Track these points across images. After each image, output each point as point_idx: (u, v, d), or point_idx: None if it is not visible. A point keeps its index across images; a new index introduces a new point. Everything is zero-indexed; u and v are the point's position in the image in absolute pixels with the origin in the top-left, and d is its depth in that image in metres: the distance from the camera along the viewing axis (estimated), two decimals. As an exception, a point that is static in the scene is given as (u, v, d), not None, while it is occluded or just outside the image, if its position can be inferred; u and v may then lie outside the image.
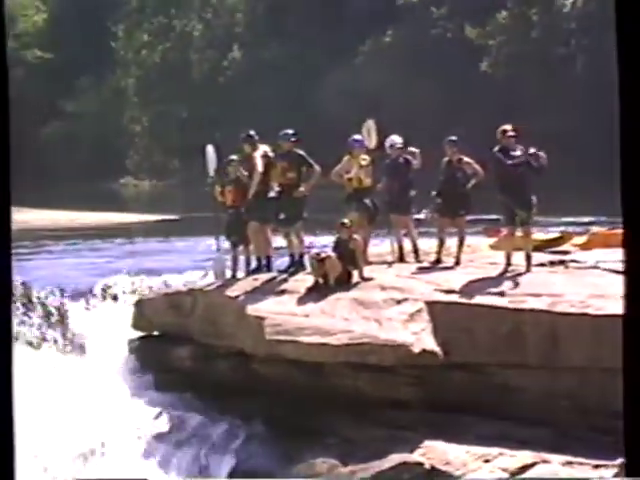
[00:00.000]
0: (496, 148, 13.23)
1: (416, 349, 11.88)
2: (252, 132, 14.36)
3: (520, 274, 12.87)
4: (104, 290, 16.22)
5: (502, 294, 12.43)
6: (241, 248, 14.38)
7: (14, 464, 4.06)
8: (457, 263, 13.84)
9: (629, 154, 3.89)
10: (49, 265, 19.99)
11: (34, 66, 65.35)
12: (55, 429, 12.72)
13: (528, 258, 13.13)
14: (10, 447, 4.09)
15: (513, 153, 13.14)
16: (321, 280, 13.22)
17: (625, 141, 3.90)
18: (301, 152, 14.04)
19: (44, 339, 15.22)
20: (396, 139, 14.72)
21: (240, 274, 14.32)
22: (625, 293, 3.97)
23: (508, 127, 13.35)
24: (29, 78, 64.27)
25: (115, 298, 16.06)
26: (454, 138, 14.05)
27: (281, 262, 14.55)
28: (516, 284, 12.60)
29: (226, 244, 14.80)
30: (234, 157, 14.49)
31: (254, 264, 14.31)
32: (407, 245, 14.63)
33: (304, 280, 13.46)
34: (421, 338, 12.03)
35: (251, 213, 14.01)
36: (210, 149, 14.99)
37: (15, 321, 15.57)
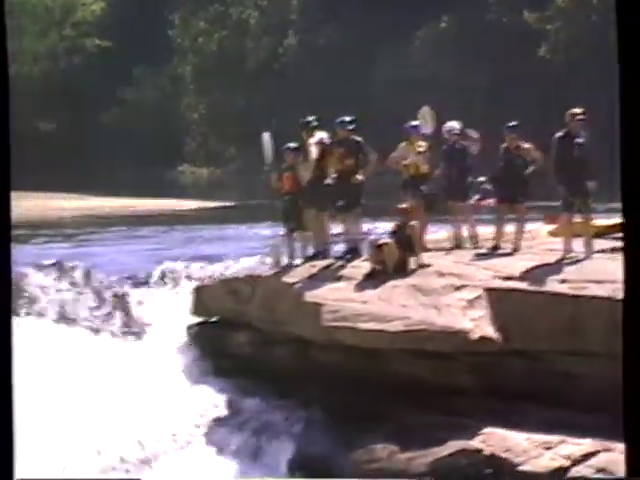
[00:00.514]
0: (560, 133, 13.08)
1: (474, 336, 11.83)
2: (310, 118, 14.33)
3: (580, 260, 12.75)
4: (163, 276, 16.34)
5: (562, 281, 12.32)
6: (298, 234, 14.38)
7: (14, 464, 4.03)
8: (515, 250, 13.73)
9: (629, 153, 3.82)
10: (109, 252, 20.16)
11: (92, 54, 65.83)
12: (115, 414, 12.84)
13: (588, 244, 12.99)
14: (10, 447, 4.07)
15: (577, 140, 12.97)
16: (378, 267, 13.19)
17: (625, 141, 3.83)
18: (358, 139, 14.00)
19: (105, 324, 15.38)
20: (454, 125, 14.63)
21: (297, 261, 14.33)
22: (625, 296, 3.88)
23: (578, 110, 13.16)
24: (87, 66, 64.83)
25: (174, 284, 16.17)
26: (513, 124, 13.91)
27: (339, 249, 14.54)
28: (576, 271, 12.48)
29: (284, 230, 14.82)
30: (291, 144, 14.47)
31: (311, 251, 14.31)
32: (465, 232, 14.57)
33: (361, 267, 13.44)
34: (480, 325, 11.96)
35: (308, 200, 14.00)
36: (266, 136, 14.94)
37: (77, 306, 15.76)
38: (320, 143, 13.98)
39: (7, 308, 4.18)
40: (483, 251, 14.00)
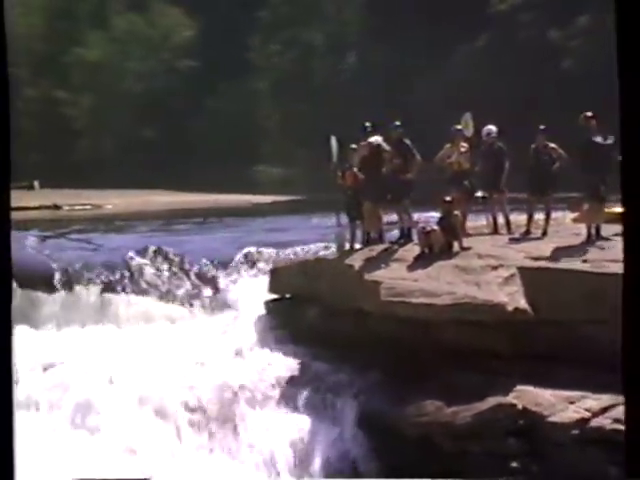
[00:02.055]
0: (584, 134, 12.96)
1: (510, 308, 11.78)
2: (367, 124, 14.32)
3: (601, 243, 12.63)
4: (244, 259, 16.45)
5: (584, 260, 12.23)
6: (358, 223, 14.41)
7: (14, 464, 3.79)
8: (544, 234, 13.65)
9: (629, 153, 3.69)
10: (198, 239, 20.29)
11: (184, 73, 66.38)
12: (205, 374, 12.96)
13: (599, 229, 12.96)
14: (10, 447, 3.78)
15: (596, 139, 12.84)
16: (427, 250, 13.18)
17: (625, 141, 3.70)
18: (407, 141, 13.97)
19: (196, 300, 15.54)
20: (492, 128, 14.58)
21: (357, 245, 14.35)
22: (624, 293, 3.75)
23: (589, 113, 13.05)
24: (181, 83, 65.39)
25: (253, 266, 16.26)
26: (543, 127, 13.85)
27: (392, 235, 14.54)
28: (596, 251, 12.37)
29: (346, 219, 14.84)
30: (353, 145, 14.48)
31: (369, 237, 14.33)
32: (500, 219, 14.51)
33: (412, 250, 13.43)
34: (514, 298, 11.91)
35: (365, 194, 14.02)
36: (333, 139, 14.96)
37: (173, 285, 15.94)
38: (368, 145, 13.96)
39: (7, 309, 3.93)
40: (516, 236, 13.94)
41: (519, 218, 14.59)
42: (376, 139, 14.03)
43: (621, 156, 3.71)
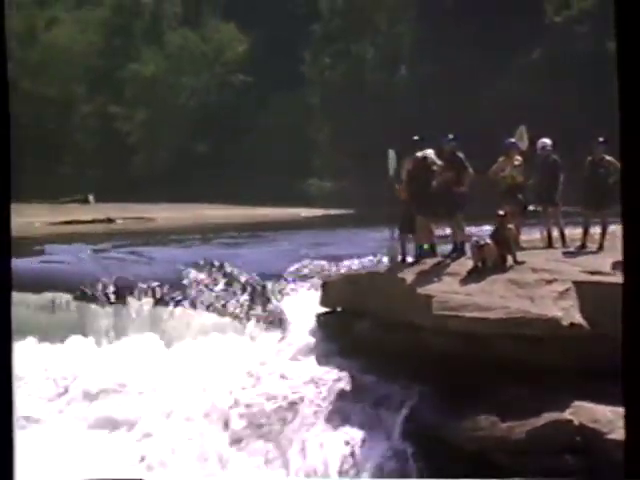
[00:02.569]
0: None
1: (565, 322, 11.62)
2: (416, 137, 14.21)
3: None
4: (295, 273, 16.44)
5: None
6: (411, 236, 14.32)
7: (14, 464, 3.76)
8: (600, 248, 13.45)
9: (629, 154, 3.59)
10: (249, 252, 20.34)
11: (237, 88, 66.86)
12: (256, 388, 12.99)
13: None
14: (10, 447, 3.75)
15: None
16: (480, 264, 13.06)
17: (625, 140, 3.61)
18: (460, 155, 13.87)
19: (248, 313, 15.56)
20: (547, 141, 14.44)
21: (410, 259, 14.26)
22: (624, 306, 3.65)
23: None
24: (233, 98, 65.86)
25: (304, 279, 16.25)
26: (602, 139, 13.62)
27: (445, 248, 14.43)
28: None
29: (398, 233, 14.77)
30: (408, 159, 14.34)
31: (420, 251, 14.24)
32: (555, 233, 14.34)
33: (465, 264, 13.32)
34: (569, 313, 11.75)
35: (417, 208, 13.94)
36: (392, 153, 14.81)
37: (224, 298, 15.98)
38: (413, 159, 13.88)
39: (7, 318, 3.87)
40: (571, 250, 13.75)
41: (574, 232, 14.40)
42: (423, 152, 13.95)
43: (621, 158, 3.62)
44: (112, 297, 15.86)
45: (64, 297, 15.84)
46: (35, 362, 14.04)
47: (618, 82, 3.58)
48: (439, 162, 13.73)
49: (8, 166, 3.69)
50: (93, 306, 15.74)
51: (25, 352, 14.10)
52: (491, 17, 50.23)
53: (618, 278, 12.01)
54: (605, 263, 12.59)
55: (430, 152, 14.01)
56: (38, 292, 15.81)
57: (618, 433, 10.90)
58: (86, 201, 52.54)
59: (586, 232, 13.71)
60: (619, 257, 12.72)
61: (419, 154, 13.87)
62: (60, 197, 52.60)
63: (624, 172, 3.57)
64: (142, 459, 12.19)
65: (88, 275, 16.68)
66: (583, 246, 13.63)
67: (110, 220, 41.01)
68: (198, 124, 65.68)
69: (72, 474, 11.66)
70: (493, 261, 13.00)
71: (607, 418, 11.02)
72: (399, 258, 14.40)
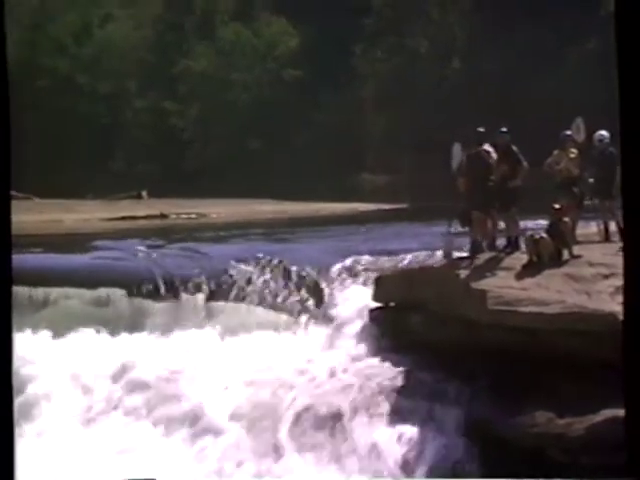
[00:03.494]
0: None
1: (622, 317, 11.43)
2: (481, 129, 14.09)
3: None
4: (348, 268, 16.42)
5: (702, 269, 11.82)
6: (468, 230, 14.24)
7: (14, 464, 3.77)
8: None
9: (629, 153, 3.51)
10: (302, 248, 20.32)
11: (289, 83, 66.91)
12: (309, 383, 13.00)
13: None
14: (10, 447, 3.76)
15: None
16: (535, 258, 12.95)
17: (625, 141, 3.53)
18: (514, 148, 13.78)
19: (300, 308, 15.59)
20: (604, 134, 14.26)
21: (464, 254, 14.18)
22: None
23: None
24: (286, 93, 65.93)
25: (358, 275, 16.22)
26: None
27: (501, 243, 14.33)
28: None
29: (455, 227, 14.69)
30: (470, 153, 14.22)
31: (476, 245, 14.14)
32: (612, 226, 14.17)
33: (520, 258, 13.22)
34: (627, 308, 11.57)
35: (474, 202, 13.86)
36: (457, 146, 14.71)
37: (279, 293, 16.03)
38: (474, 153, 13.79)
39: (7, 309, 3.84)
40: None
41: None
42: (481, 146, 13.86)
43: (621, 156, 3.56)
44: (165, 293, 15.99)
45: (118, 292, 16.01)
46: (88, 355, 14.19)
47: (618, 81, 3.50)
48: (495, 155, 13.65)
49: (8, 162, 3.70)
50: (147, 301, 15.89)
51: (81, 344, 14.34)
52: (545, 6, 49.74)
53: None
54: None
55: (487, 146, 13.92)
56: (93, 288, 16.00)
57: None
58: (139, 197, 53.05)
59: (618, 225, 13.62)
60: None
61: (479, 148, 13.79)
62: (114, 193, 53.19)
63: (624, 171, 3.51)
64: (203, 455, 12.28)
65: (141, 271, 16.84)
66: None
67: (164, 216, 41.36)
68: (251, 120, 65.92)
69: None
70: (549, 255, 12.88)
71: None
72: (454, 253, 14.32)
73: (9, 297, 3.84)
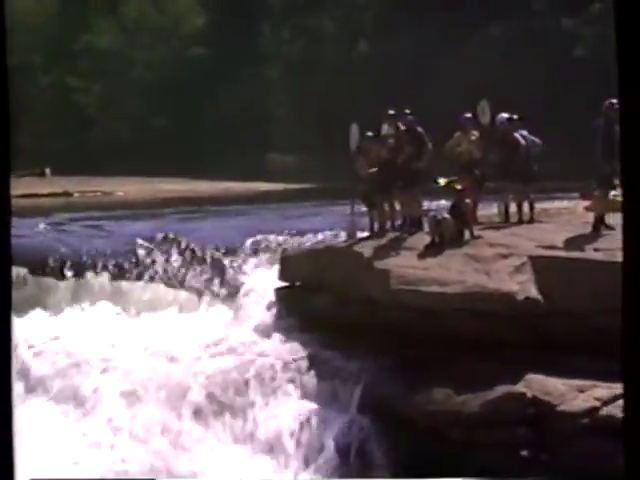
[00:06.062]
0: (600, 121, 12.83)
1: (520, 297, 11.74)
2: (392, 111, 14.22)
3: (613, 233, 12.54)
4: (253, 247, 16.39)
5: (596, 249, 12.17)
6: (370, 211, 14.37)
7: (14, 464, 3.70)
8: (527, 222, 13.81)
9: (629, 151, 3.61)
10: (207, 227, 20.19)
11: (195, 61, 66.14)
12: (213, 361, 12.98)
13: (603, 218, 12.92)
14: (10, 447, 3.69)
15: (616, 125, 12.70)
16: (437, 238, 13.13)
17: (625, 140, 3.62)
18: (419, 129, 13.92)
19: (205, 287, 15.53)
20: (505, 116, 14.49)
21: (368, 234, 14.31)
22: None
23: (614, 100, 12.87)
24: (192, 71, 65.12)
25: (263, 254, 16.20)
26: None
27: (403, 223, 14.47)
28: (608, 240, 12.29)
29: (359, 208, 14.80)
30: (369, 133, 14.33)
31: (380, 225, 14.29)
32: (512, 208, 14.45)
33: (423, 239, 13.38)
34: (525, 287, 11.86)
35: (376, 183, 13.97)
36: (354, 127, 14.77)
37: (182, 272, 15.94)
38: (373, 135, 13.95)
39: (7, 305, 3.80)
40: (526, 225, 13.89)
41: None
42: (384, 127, 13.99)
43: (621, 147, 3.66)
44: (69, 271, 15.74)
45: (21, 271, 15.70)
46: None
47: (618, 80, 3.56)
48: (392, 138, 13.79)
49: (8, 151, 3.64)
50: (50, 280, 15.61)
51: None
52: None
53: (572, 252, 12.17)
54: (560, 238, 12.71)
55: (385, 127, 14.05)
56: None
57: (569, 405, 11.08)
58: (43, 174, 51.91)
59: (519, 207, 14.08)
60: (574, 232, 12.90)
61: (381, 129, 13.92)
62: (15, 170, 51.86)
63: (624, 167, 3.58)
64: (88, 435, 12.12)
65: (44, 249, 16.53)
66: (532, 220, 14.00)
67: (68, 194, 40.59)
68: (156, 98, 65.03)
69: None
70: (450, 235, 13.07)
71: (559, 390, 11.18)
72: (359, 233, 14.44)
73: (9, 282, 3.80)
